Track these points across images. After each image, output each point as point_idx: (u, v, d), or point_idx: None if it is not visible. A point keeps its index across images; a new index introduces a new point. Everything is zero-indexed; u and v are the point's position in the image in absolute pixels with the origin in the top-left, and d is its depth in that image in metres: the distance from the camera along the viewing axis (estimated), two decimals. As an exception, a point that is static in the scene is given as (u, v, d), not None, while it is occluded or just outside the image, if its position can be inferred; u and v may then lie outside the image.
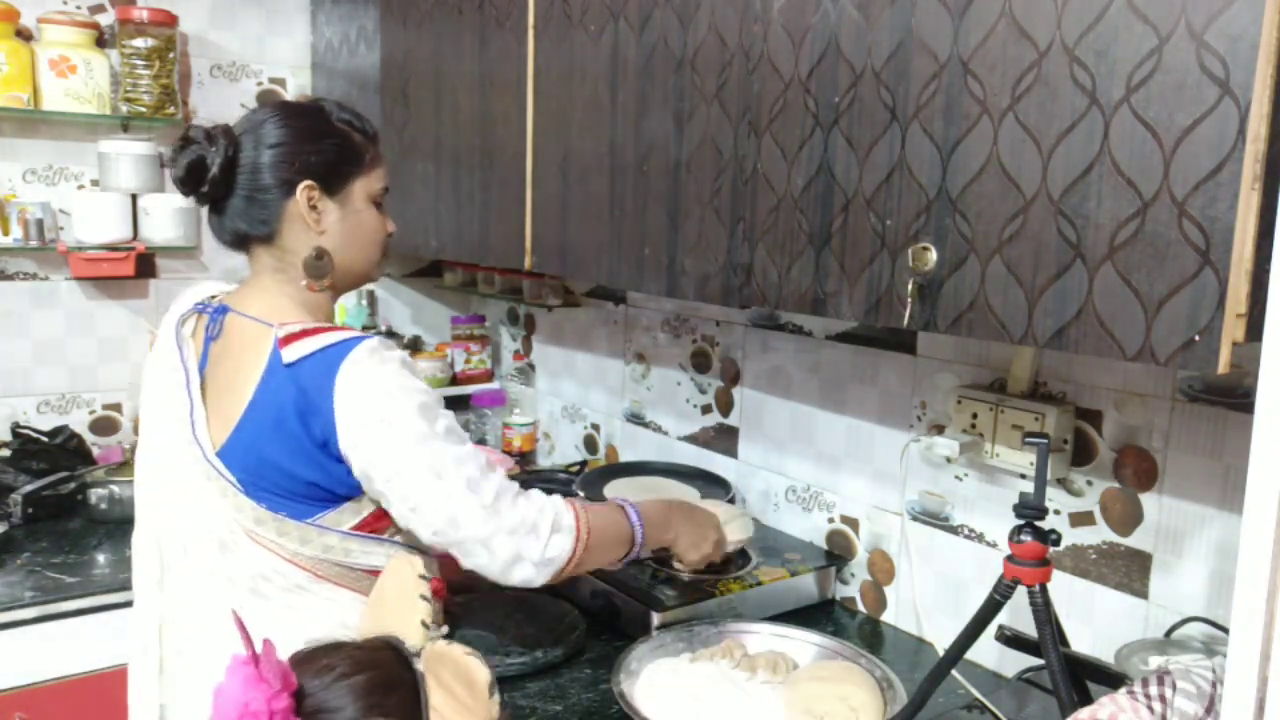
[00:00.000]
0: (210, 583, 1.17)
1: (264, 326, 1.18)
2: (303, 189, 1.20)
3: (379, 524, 1.20)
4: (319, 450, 1.13)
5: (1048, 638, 1.08)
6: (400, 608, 0.89)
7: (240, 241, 1.25)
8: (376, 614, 0.92)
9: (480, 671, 0.78)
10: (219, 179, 1.19)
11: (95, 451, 2.24)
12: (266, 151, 1.20)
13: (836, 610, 1.70)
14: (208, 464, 1.16)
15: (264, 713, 0.69)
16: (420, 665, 0.80)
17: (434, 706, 0.77)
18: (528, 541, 1.18)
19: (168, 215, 2.25)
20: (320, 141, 1.22)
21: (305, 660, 0.78)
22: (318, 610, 1.18)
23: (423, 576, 0.91)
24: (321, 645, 0.81)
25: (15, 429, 2.13)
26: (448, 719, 0.76)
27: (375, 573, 1.19)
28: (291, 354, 1.14)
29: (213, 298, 1.30)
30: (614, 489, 1.88)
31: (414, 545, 1.22)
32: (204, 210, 1.26)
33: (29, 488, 1.98)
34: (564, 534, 1.21)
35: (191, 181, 1.20)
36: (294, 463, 1.14)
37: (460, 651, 0.80)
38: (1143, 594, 1.31)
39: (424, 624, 0.86)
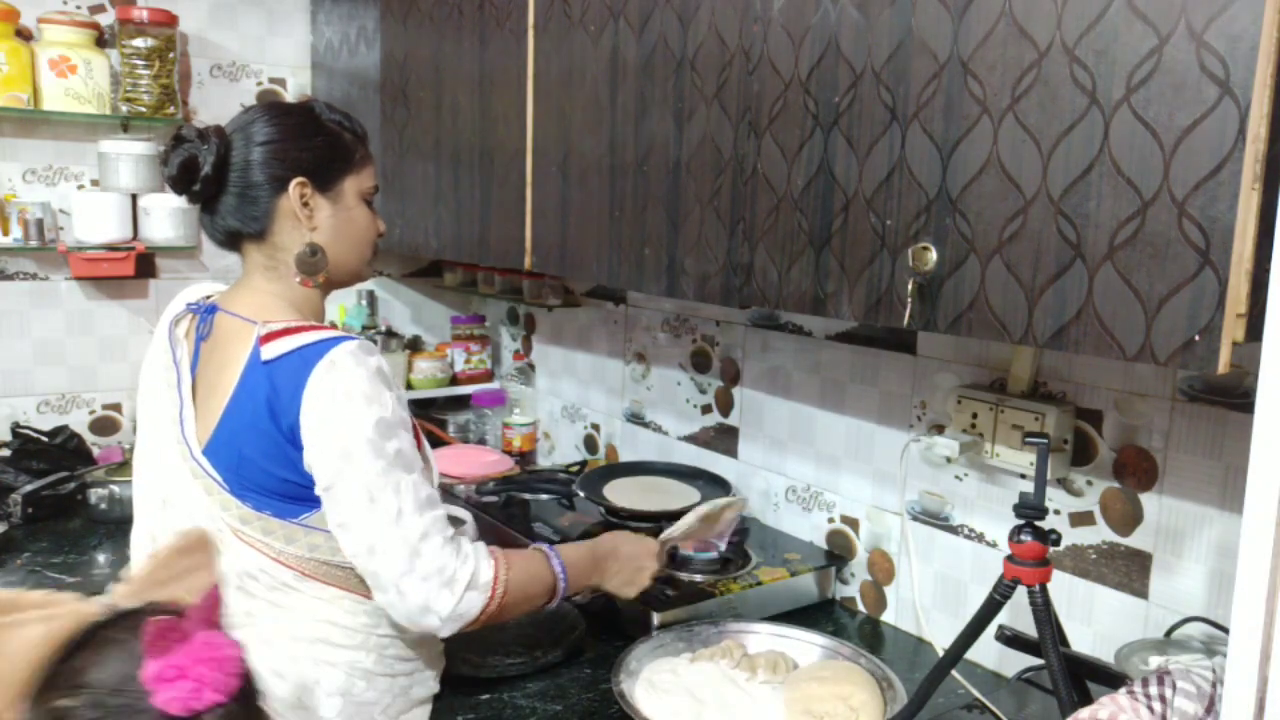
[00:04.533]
0: None
1: (249, 324, 1.19)
2: (295, 185, 1.20)
3: None
4: (291, 448, 1.13)
5: (1048, 638, 1.08)
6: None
7: (232, 240, 1.25)
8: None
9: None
10: (211, 177, 1.20)
11: (95, 451, 2.24)
12: (257, 149, 1.20)
13: (836, 610, 1.69)
14: (194, 462, 1.17)
15: None
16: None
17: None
18: (440, 594, 1.13)
19: (168, 215, 2.25)
20: (310, 139, 1.23)
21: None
22: (305, 608, 1.18)
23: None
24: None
25: (15, 429, 2.13)
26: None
27: None
28: (270, 351, 1.14)
29: (206, 298, 1.30)
30: (614, 489, 1.88)
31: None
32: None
33: (29, 488, 1.98)
34: (479, 591, 1.16)
35: (184, 180, 1.21)
36: (269, 460, 1.14)
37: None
38: (1143, 594, 1.30)
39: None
